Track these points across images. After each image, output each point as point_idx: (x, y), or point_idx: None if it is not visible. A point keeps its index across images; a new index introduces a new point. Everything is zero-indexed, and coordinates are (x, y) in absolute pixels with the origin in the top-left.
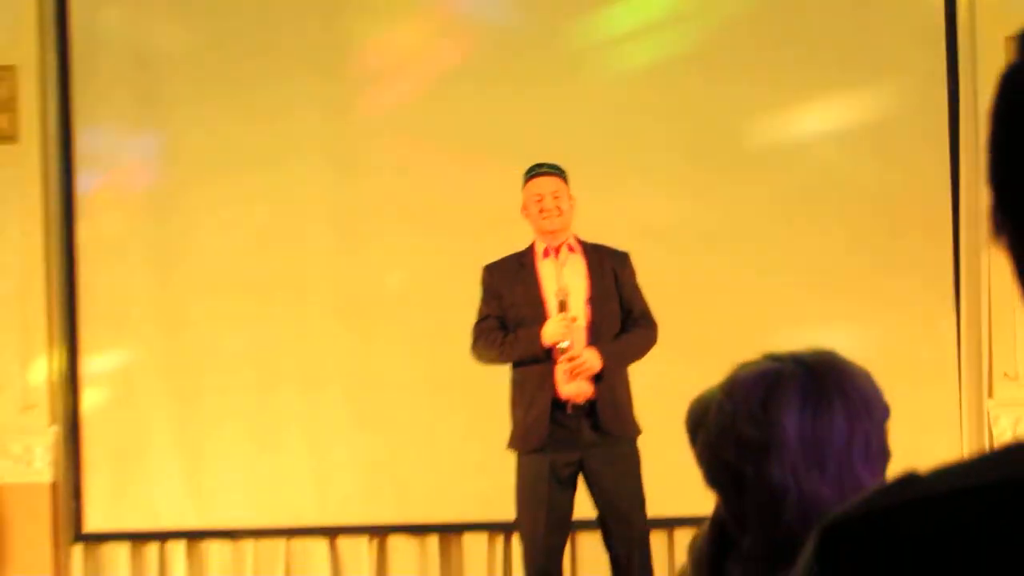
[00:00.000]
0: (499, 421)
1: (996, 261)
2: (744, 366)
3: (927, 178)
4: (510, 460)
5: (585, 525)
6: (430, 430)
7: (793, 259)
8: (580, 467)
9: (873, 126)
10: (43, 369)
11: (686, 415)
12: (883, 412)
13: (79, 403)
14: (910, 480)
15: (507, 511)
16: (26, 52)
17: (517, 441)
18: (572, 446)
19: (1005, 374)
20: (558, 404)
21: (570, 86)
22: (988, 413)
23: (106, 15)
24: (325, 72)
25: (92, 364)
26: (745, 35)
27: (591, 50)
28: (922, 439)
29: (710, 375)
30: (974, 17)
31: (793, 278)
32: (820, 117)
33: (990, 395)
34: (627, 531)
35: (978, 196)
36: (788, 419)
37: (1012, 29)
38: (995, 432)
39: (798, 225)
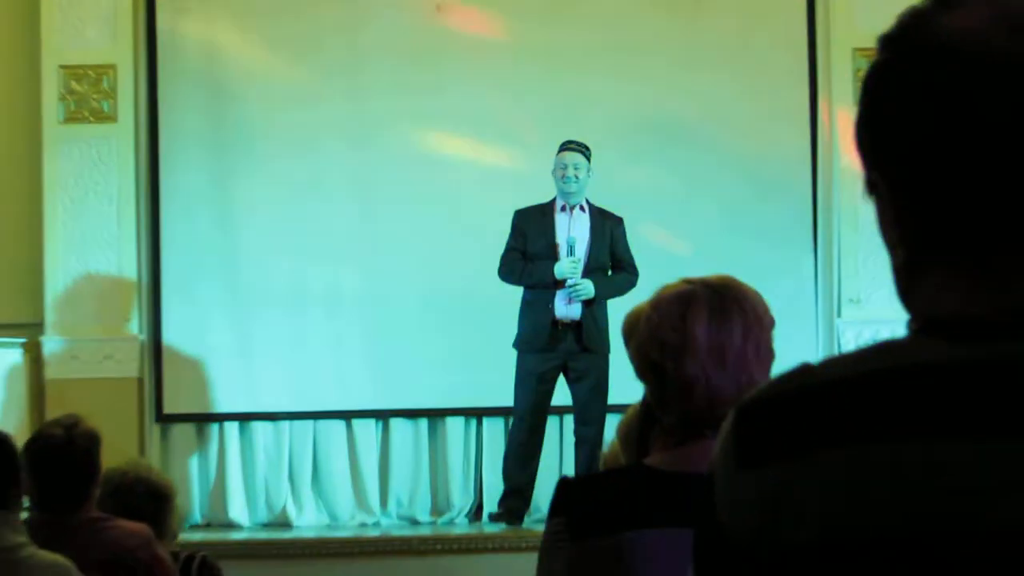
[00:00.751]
0: (478, 331)
1: (844, 215)
2: (666, 287)
3: (792, 155)
4: (486, 360)
5: (558, 412)
6: (424, 337)
7: (689, 223)
8: (562, 369)
9: (748, 112)
10: (133, 289)
11: (622, 325)
12: (770, 322)
13: (160, 317)
14: (806, 370)
15: (481, 400)
16: (123, 54)
17: (521, 343)
18: (559, 353)
19: (850, 299)
20: (553, 321)
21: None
22: (837, 329)
23: (185, 26)
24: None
25: (170, 286)
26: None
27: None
28: (787, 349)
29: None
30: (828, 31)
31: (693, 242)
32: (708, 104)
33: (839, 315)
34: (593, 420)
35: (829, 170)
36: (698, 327)
37: (858, 42)
38: (842, 343)
39: (694, 194)
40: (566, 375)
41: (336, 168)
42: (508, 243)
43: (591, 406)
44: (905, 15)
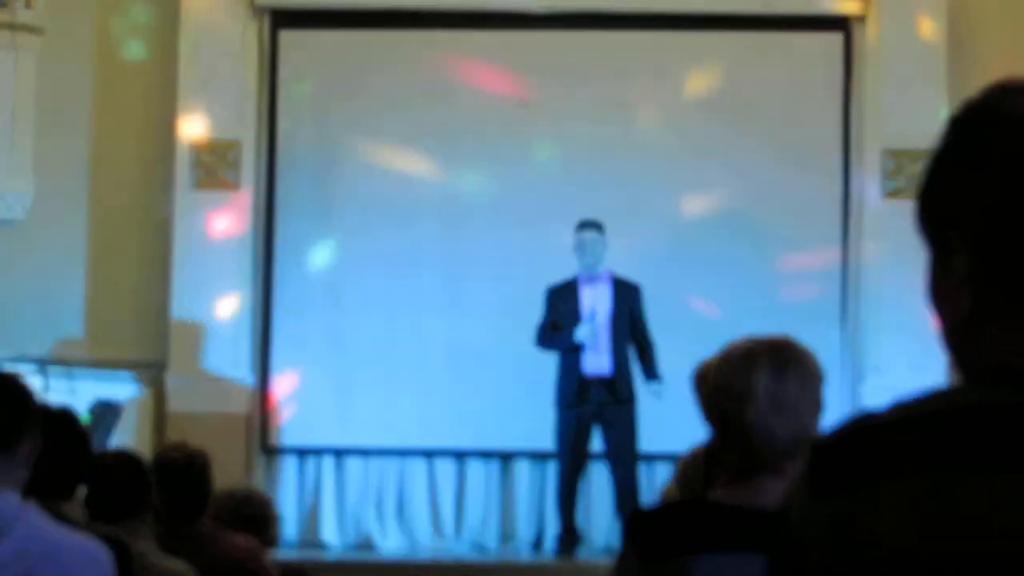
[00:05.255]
0: (545, 383)
1: (868, 294)
2: (733, 344)
3: (824, 241)
4: (551, 410)
5: (597, 457)
6: (499, 386)
7: (730, 297)
8: (598, 418)
9: (789, 204)
10: (248, 334)
11: (694, 374)
12: (821, 378)
13: (269, 361)
14: (868, 414)
15: (547, 444)
16: (247, 130)
17: (558, 400)
18: (593, 405)
19: (872, 368)
20: (584, 378)
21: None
22: (860, 395)
23: (301, 105)
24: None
25: (279, 334)
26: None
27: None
28: None
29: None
30: (862, 132)
31: (732, 312)
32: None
33: (862, 382)
34: (624, 463)
35: (859, 254)
36: (760, 378)
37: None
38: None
39: (734, 263)
40: (600, 424)
41: (429, 232)
42: (543, 317)
43: (621, 452)
44: (977, 99)
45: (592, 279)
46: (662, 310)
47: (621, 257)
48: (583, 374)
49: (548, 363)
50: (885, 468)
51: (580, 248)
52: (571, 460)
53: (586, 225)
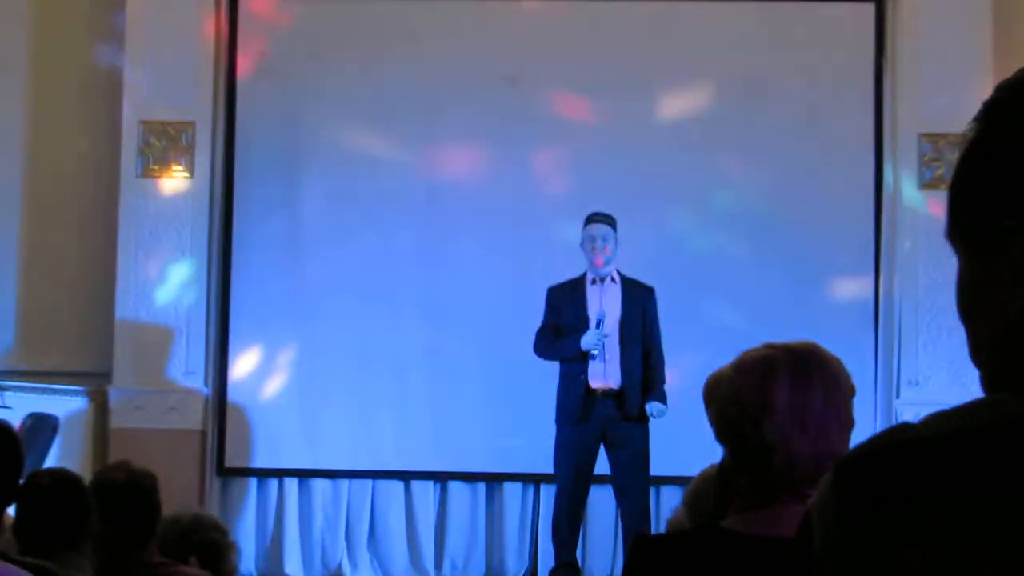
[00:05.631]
0: (536, 398)
1: (905, 298)
2: (749, 352)
3: (855, 239)
4: (544, 426)
5: (602, 480)
6: (485, 402)
7: (750, 297)
8: (603, 439)
9: (816, 196)
10: (202, 344)
11: (704, 386)
12: (850, 390)
13: (227, 371)
14: (904, 427)
15: (539, 467)
16: (201, 110)
17: (558, 416)
18: (598, 422)
19: (909, 381)
20: (590, 391)
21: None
22: (895, 411)
23: (263, 85)
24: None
25: (238, 342)
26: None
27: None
28: None
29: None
30: (895, 117)
31: (753, 317)
32: (773, 180)
33: (897, 396)
34: (632, 489)
35: (893, 251)
36: (779, 391)
37: (924, 127)
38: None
39: (757, 262)
40: (605, 444)
41: (405, 234)
42: (542, 320)
43: (630, 476)
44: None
45: (600, 279)
46: (676, 316)
47: (628, 256)
48: (588, 387)
49: (546, 374)
50: (923, 488)
51: (588, 243)
52: (571, 484)
53: (596, 217)
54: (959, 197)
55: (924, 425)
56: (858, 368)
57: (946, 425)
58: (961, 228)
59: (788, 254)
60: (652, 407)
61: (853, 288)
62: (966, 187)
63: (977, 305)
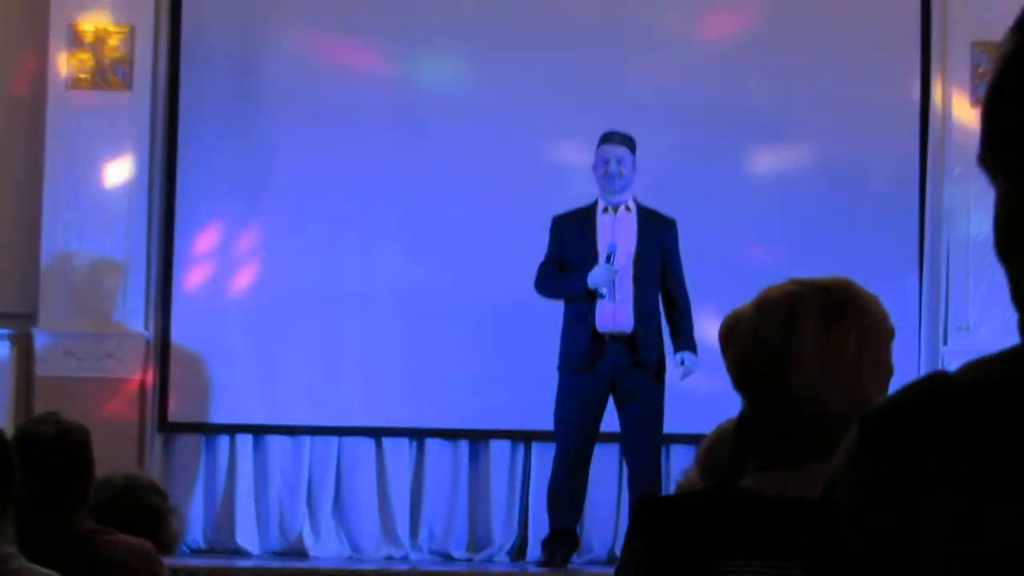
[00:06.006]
0: (529, 344)
1: (954, 229)
2: (771, 288)
3: (899, 157)
4: (537, 377)
5: (604, 437)
6: (470, 348)
7: (776, 231)
8: (611, 390)
9: (853, 112)
10: (142, 279)
11: (720, 327)
12: (889, 334)
13: (171, 312)
14: (940, 375)
15: (530, 422)
16: (144, 15)
17: (561, 362)
18: (606, 371)
19: (958, 326)
20: (597, 335)
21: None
22: (942, 359)
23: None
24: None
25: (184, 278)
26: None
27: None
28: None
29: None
30: (945, 24)
31: (779, 252)
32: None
33: (944, 343)
34: (641, 449)
35: (940, 179)
36: (807, 334)
37: (977, 35)
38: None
39: (783, 190)
40: (614, 396)
41: (380, 154)
42: (547, 253)
43: (640, 432)
44: None
45: (614, 208)
46: (699, 253)
47: (646, 186)
48: (595, 330)
49: (544, 316)
50: (961, 443)
51: (601, 166)
52: (573, 441)
53: (612, 137)
54: (995, 118)
55: (961, 373)
56: (899, 310)
57: (984, 373)
58: (999, 153)
59: (821, 181)
60: (685, 357)
61: (894, 220)
62: (1004, 106)
63: (1018, 240)
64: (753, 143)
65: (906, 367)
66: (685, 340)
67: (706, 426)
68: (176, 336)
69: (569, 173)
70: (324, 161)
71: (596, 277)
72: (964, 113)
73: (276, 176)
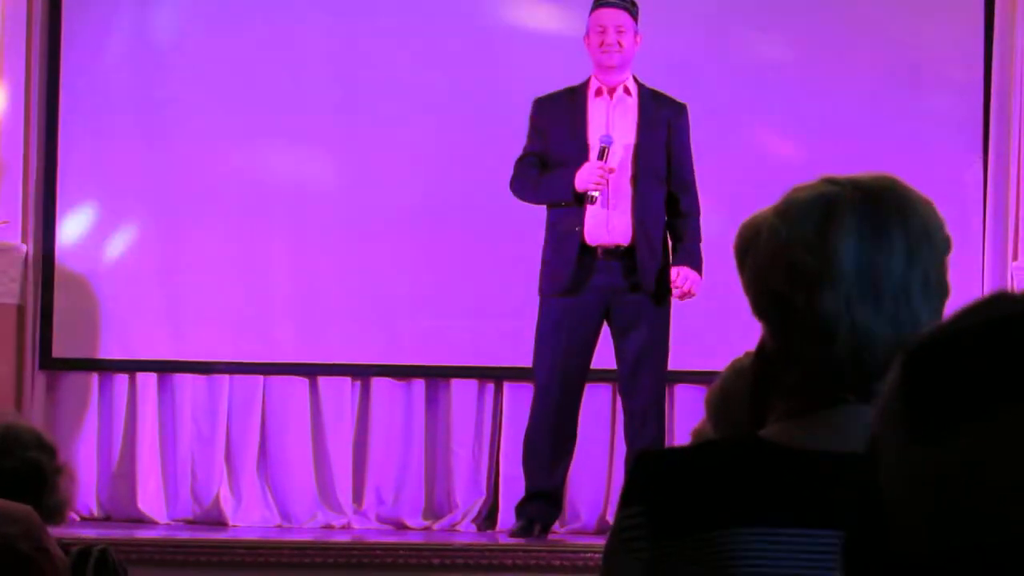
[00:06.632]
0: (496, 263)
1: None
2: (799, 188)
3: (959, 34)
4: (510, 301)
5: (593, 376)
6: (422, 268)
7: (813, 122)
8: (604, 317)
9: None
10: (18, 183)
11: (735, 238)
12: (945, 245)
13: (55, 222)
14: (1003, 297)
15: (500, 357)
16: None
17: (542, 283)
18: (598, 294)
19: None
20: (587, 249)
21: None
22: (1012, 276)
23: None
24: None
25: (71, 183)
26: None
27: None
28: None
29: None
30: None
31: (817, 124)
32: None
33: (1015, 258)
34: (642, 389)
35: (1012, 54)
36: (844, 246)
37: None
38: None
39: (822, 71)
40: (609, 324)
41: (309, 21)
42: (525, 145)
43: (641, 369)
44: None
45: (609, 89)
46: (712, 146)
47: (655, 63)
48: (585, 243)
49: (521, 224)
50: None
51: (596, 35)
52: (557, 381)
53: (609, 1)
54: None
55: None
56: (958, 216)
57: None
58: None
59: (868, 61)
60: (679, 274)
61: (951, 102)
62: None
63: None
64: (779, 12)
65: (966, 286)
66: (686, 254)
67: (718, 362)
68: (62, 255)
69: (555, 45)
70: (242, 41)
71: (585, 177)
72: None
73: (182, 50)
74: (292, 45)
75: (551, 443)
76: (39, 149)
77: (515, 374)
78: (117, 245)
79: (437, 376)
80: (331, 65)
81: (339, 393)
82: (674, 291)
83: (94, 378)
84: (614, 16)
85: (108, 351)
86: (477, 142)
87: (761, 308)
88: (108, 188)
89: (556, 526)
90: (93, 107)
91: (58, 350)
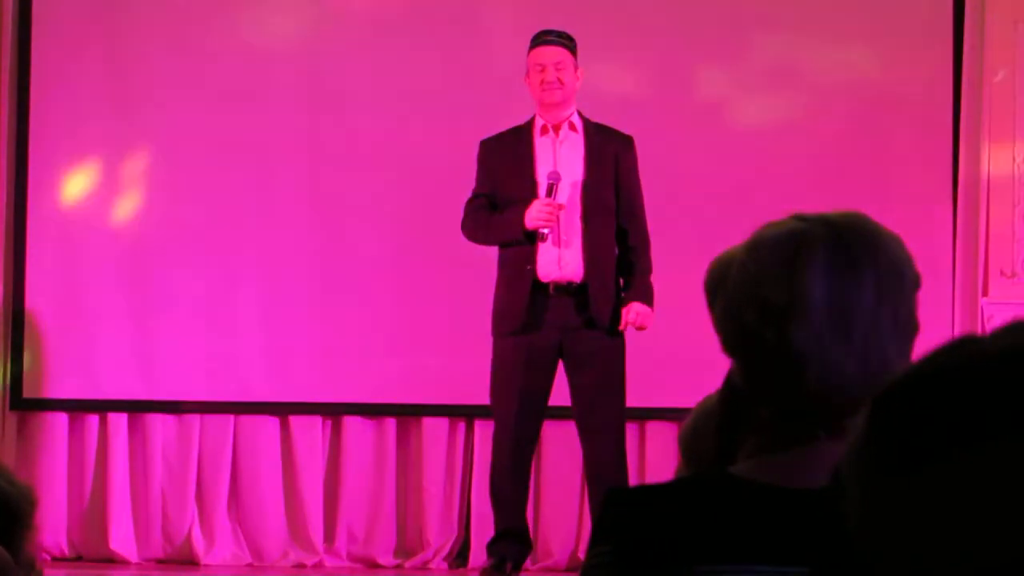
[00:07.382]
0: (466, 302)
1: (996, 155)
2: (769, 225)
3: (929, 73)
4: (475, 342)
5: (559, 413)
6: (392, 307)
7: (791, 147)
8: (560, 353)
9: (878, 27)
10: None
11: (705, 275)
12: (914, 282)
13: (24, 263)
14: (970, 341)
15: (471, 395)
16: None
17: (494, 322)
18: (551, 331)
19: (1002, 272)
20: (539, 287)
21: None
22: (982, 311)
23: None
24: None
25: (40, 225)
26: None
27: None
28: None
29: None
30: None
31: (790, 166)
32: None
33: (985, 293)
34: (606, 424)
35: (979, 92)
36: (814, 283)
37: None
38: (989, 330)
39: (797, 113)
40: (564, 361)
41: (280, 69)
42: (474, 187)
43: (599, 406)
44: None
45: (554, 127)
46: (668, 179)
47: (604, 96)
48: (537, 281)
49: (484, 264)
50: (997, 422)
51: (536, 73)
52: (514, 420)
53: (547, 37)
54: None
55: (996, 339)
56: (928, 252)
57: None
58: None
59: (838, 88)
60: (631, 311)
61: (924, 146)
62: None
63: None
64: (746, 42)
65: (937, 323)
66: (636, 288)
67: (691, 399)
68: (32, 295)
69: (506, 85)
70: (213, 75)
71: (534, 216)
72: (1006, 6)
73: (153, 93)
74: (269, 95)
75: (513, 481)
76: (9, 193)
77: (486, 412)
78: (86, 282)
79: (408, 414)
80: (303, 111)
81: (310, 432)
82: (624, 327)
83: (64, 418)
84: (552, 53)
85: (79, 391)
86: (445, 185)
87: (731, 344)
88: (77, 229)
89: (528, 563)
90: (62, 149)
91: (28, 390)
